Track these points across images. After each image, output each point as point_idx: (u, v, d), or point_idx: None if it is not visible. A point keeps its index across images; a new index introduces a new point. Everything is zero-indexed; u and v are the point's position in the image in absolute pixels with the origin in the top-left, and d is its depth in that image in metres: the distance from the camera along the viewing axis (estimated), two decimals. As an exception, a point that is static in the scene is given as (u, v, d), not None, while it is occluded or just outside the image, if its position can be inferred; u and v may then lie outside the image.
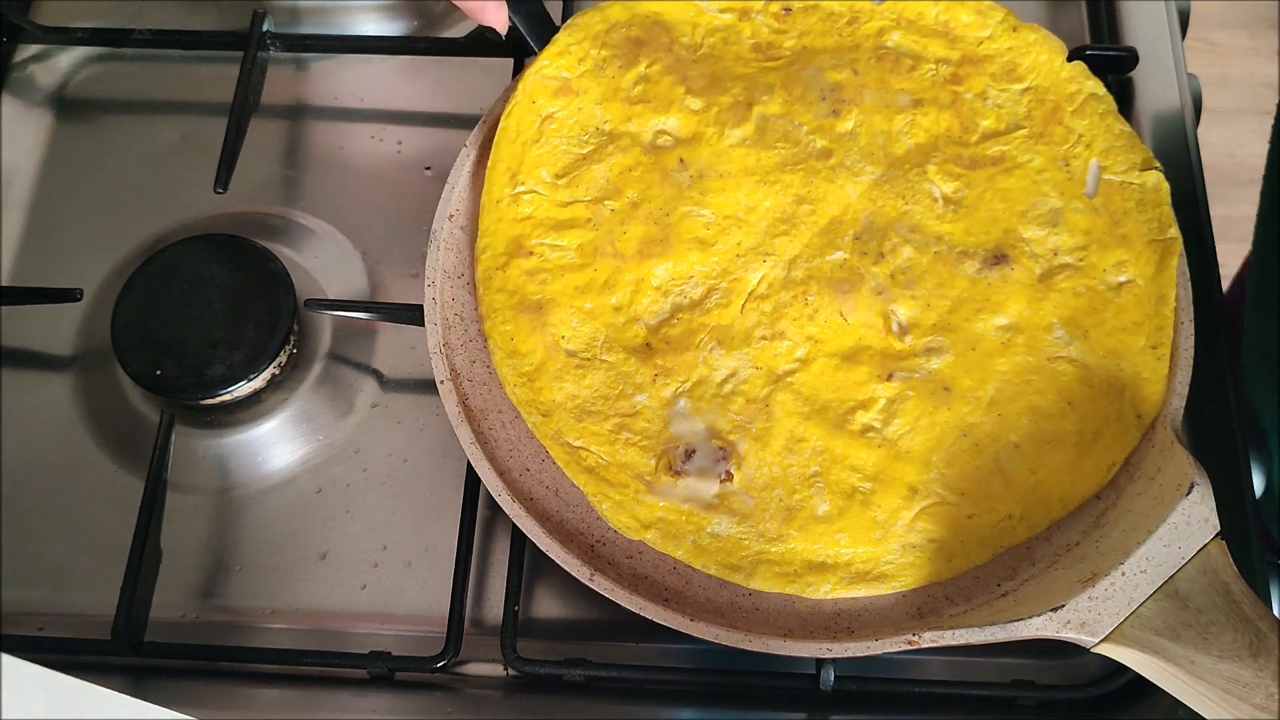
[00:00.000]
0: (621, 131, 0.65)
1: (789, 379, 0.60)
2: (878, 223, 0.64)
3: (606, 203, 0.64)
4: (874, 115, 0.66)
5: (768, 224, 0.64)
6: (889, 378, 0.60)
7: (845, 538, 0.57)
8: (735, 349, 0.61)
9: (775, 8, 0.69)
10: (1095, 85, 0.67)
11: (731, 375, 0.61)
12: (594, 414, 0.60)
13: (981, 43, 0.68)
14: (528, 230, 0.63)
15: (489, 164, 0.65)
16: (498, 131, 0.65)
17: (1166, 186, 0.64)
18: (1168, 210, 0.64)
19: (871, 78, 0.67)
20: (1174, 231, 0.63)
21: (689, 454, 0.59)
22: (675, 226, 0.63)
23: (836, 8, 0.69)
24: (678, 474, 0.58)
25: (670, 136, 0.65)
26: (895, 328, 0.61)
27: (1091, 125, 0.66)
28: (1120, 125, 0.66)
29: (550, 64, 0.66)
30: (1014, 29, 0.68)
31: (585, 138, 0.65)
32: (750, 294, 0.62)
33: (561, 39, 0.67)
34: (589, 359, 0.61)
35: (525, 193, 0.64)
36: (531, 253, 0.63)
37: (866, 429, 0.59)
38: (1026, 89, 0.67)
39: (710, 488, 0.58)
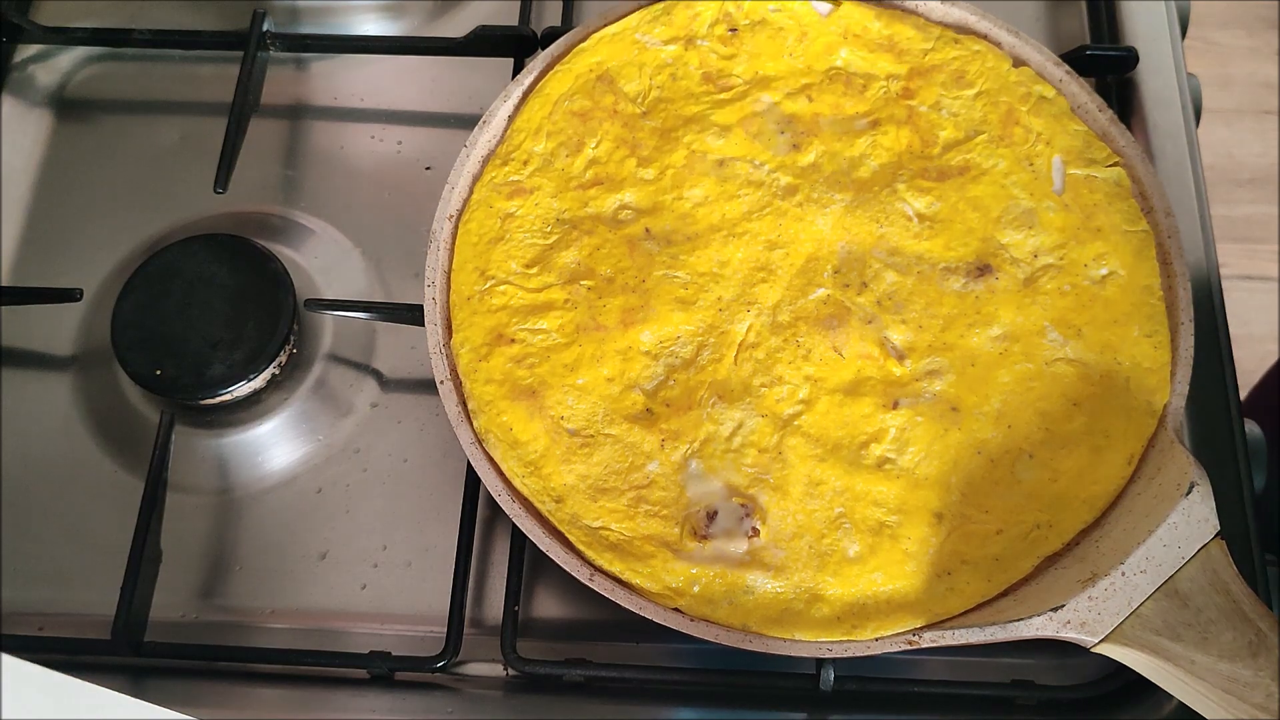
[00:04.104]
0: (582, 216, 0.65)
1: (796, 422, 0.60)
2: (855, 252, 0.63)
3: (581, 282, 0.63)
4: (834, 143, 0.66)
5: (744, 274, 0.63)
6: (895, 406, 0.60)
7: (881, 575, 0.57)
8: (737, 400, 0.60)
9: (720, 30, 0.69)
10: (1044, 89, 0.67)
11: (739, 427, 0.60)
12: (608, 491, 0.59)
13: (926, 54, 0.68)
14: (505, 320, 0.62)
15: (454, 265, 0.64)
16: (459, 235, 0.65)
17: (1128, 180, 0.65)
18: (1134, 202, 0.64)
19: (826, 104, 0.67)
20: (1144, 224, 0.63)
21: (711, 516, 0.58)
22: (653, 291, 0.62)
23: (784, 22, 0.69)
24: (704, 538, 0.58)
25: (631, 210, 0.65)
26: (893, 352, 0.61)
27: (1048, 125, 0.66)
28: (1075, 124, 0.66)
29: (497, 173, 0.66)
30: (955, 40, 0.68)
31: (548, 229, 0.64)
32: (740, 344, 0.62)
33: (534, 106, 0.67)
34: (592, 436, 0.60)
35: (497, 285, 0.63)
36: (514, 340, 0.61)
37: (882, 461, 0.59)
38: (978, 94, 0.67)
39: (739, 546, 0.57)
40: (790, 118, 0.67)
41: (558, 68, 0.68)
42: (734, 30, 0.69)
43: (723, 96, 0.67)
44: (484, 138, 0.67)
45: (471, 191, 0.66)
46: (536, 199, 0.65)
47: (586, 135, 0.66)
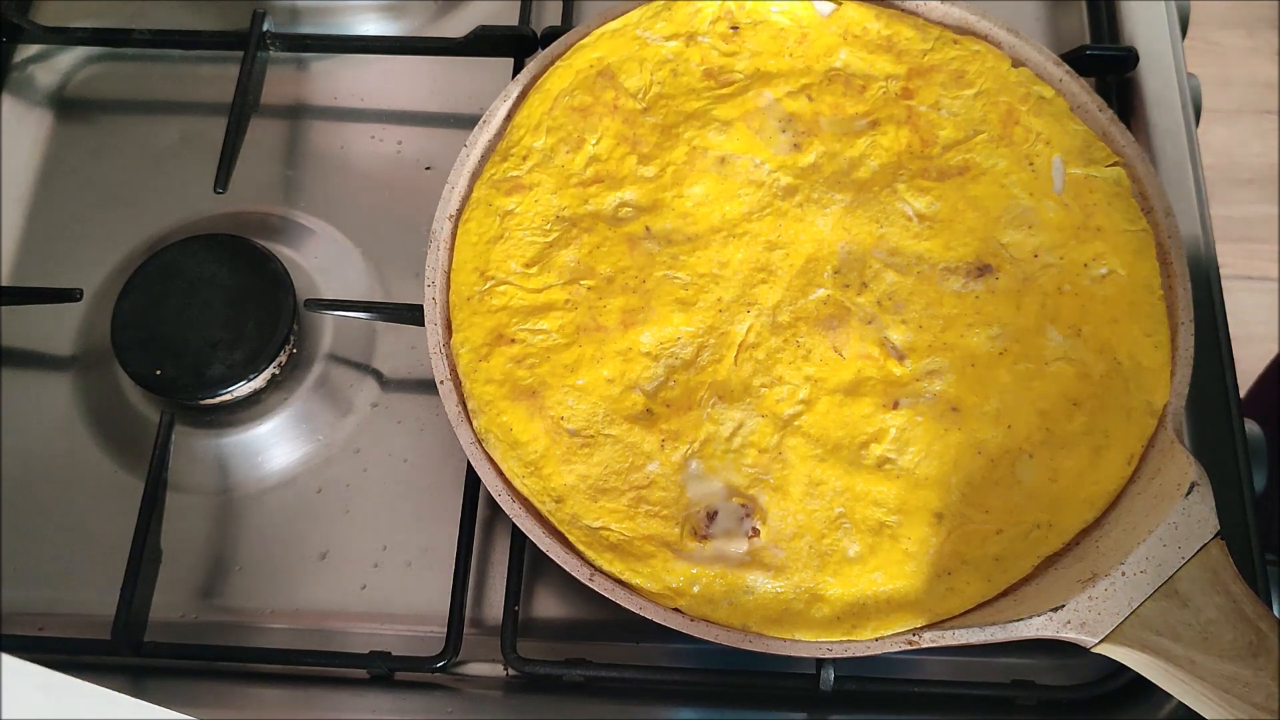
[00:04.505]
0: (582, 214, 0.64)
1: (796, 422, 0.60)
2: (855, 252, 0.63)
3: (582, 282, 0.63)
4: (834, 143, 0.66)
5: (744, 275, 0.63)
6: (895, 406, 0.60)
7: (881, 575, 0.57)
8: (737, 401, 0.60)
9: (722, 27, 0.69)
10: (1044, 89, 0.67)
11: (739, 428, 0.60)
12: (608, 491, 0.59)
13: (926, 54, 0.68)
14: (505, 320, 0.62)
15: (454, 265, 0.64)
16: (458, 235, 0.64)
17: (1128, 180, 0.64)
18: (1134, 202, 0.64)
19: (826, 104, 0.67)
20: (1144, 224, 0.63)
21: (711, 516, 0.58)
22: (653, 292, 0.62)
23: (785, 22, 0.69)
24: (704, 538, 0.57)
25: (631, 207, 0.65)
26: (893, 353, 0.61)
27: (1048, 125, 0.66)
28: (1075, 124, 0.66)
29: (496, 169, 0.65)
30: (955, 41, 0.68)
31: (547, 227, 0.64)
32: (740, 345, 0.62)
33: (534, 102, 0.67)
34: (592, 436, 0.60)
35: (497, 285, 0.63)
36: (514, 340, 0.61)
37: (882, 461, 0.59)
38: (978, 93, 0.67)
39: (739, 546, 0.57)
40: (791, 116, 0.66)
41: (558, 63, 0.68)
42: (735, 28, 0.69)
43: (724, 91, 0.67)
44: (484, 137, 0.67)
45: (471, 190, 0.66)
46: (536, 195, 0.65)
47: (587, 131, 0.66)
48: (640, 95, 0.67)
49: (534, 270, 0.63)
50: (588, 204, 0.65)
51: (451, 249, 0.65)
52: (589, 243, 0.64)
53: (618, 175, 0.65)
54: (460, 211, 0.66)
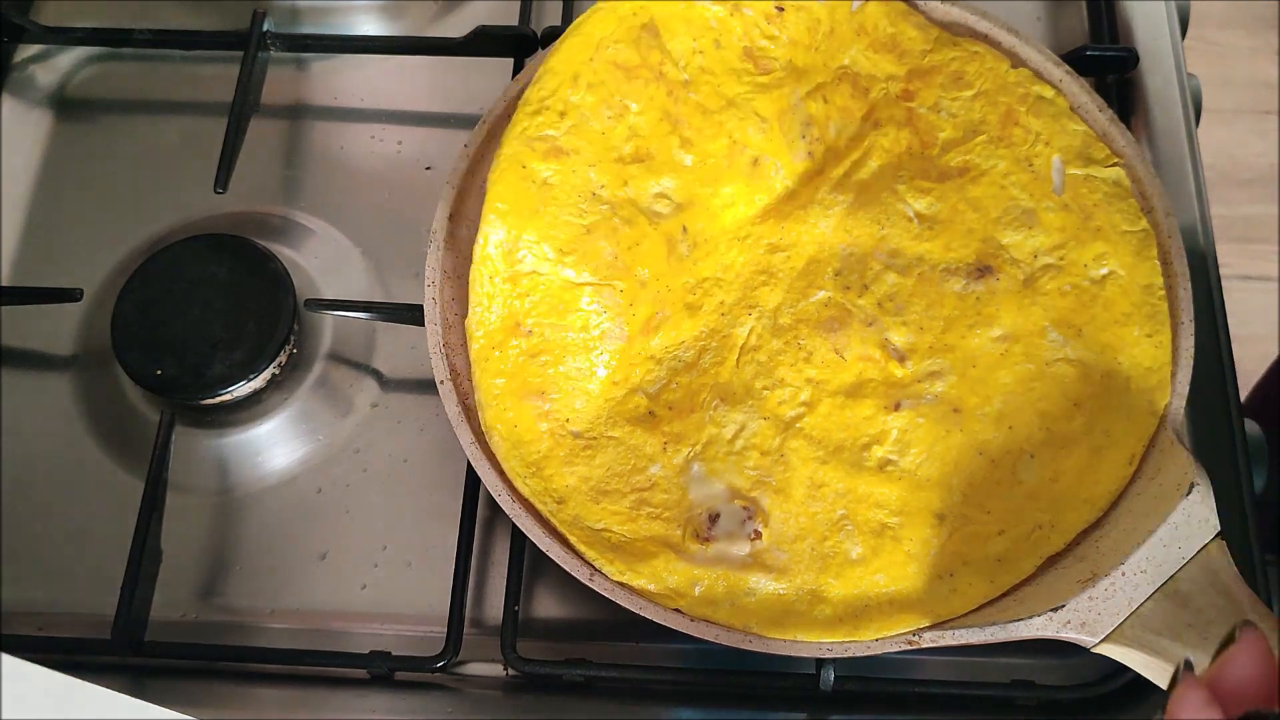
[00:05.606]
0: (621, 199, 0.63)
1: (798, 425, 0.60)
2: (856, 253, 0.63)
3: (616, 283, 0.62)
4: (837, 144, 0.66)
5: (746, 278, 0.63)
6: (896, 408, 0.60)
7: (883, 577, 0.57)
8: (739, 403, 0.60)
9: (767, 5, 0.68)
10: (1043, 89, 0.67)
11: (741, 430, 0.60)
12: (610, 493, 0.59)
13: (925, 55, 0.68)
14: (526, 308, 0.61)
15: (480, 234, 0.61)
16: (486, 200, 0.61)
17: (1128, 180, 0.64)
18: (1134, 202, 0.64)
19: (836, 106, 0.67)
20: (1144, 224, 0.63)
21: (713, 519, 0.58)
22: (674, 298, 0.62)
23: (820, 12, 0.68)
24: (706, 540, 0.57)
25: (669, 200, 0.64)
26: (894, 354, 0.61)
27: (1047, 125, 0.65)
28: (1075, 124, 0.66)
29: (530, 123, 0.62)
30: (954, 42, 0.68)
31: (584, 206, 0.62)
32: (742, 348, 0.61)
33: (573, 46, 0.63)
34: (595, 438, 0.60)
35: (526, 273, 0.61)
36: (531, 332, 0.61)
37: (884, 463, 0.59)
38: (977, 94, 0.66)
39: (741, 548, 0.57)
40: (811, 119, 0.66)
41: (599, 6, 0.64)
42: (780, 9, 0.67)
43: (763, 80, 0.66)
44: (484, 138, 0.67)
45: (502, 145, 0.62)
46: (573, 165, 0.62)
47: (630, 96, 0.63)
48: (683, 64, 0.65)
49: (569, 260, 0.61)
50: (627, 186, 0.63)
51: (453, 248, 0.63)
52: (628, 238, 0.62)
53: (658, 158, 0.64)
54: (464, 212, 0.65)
